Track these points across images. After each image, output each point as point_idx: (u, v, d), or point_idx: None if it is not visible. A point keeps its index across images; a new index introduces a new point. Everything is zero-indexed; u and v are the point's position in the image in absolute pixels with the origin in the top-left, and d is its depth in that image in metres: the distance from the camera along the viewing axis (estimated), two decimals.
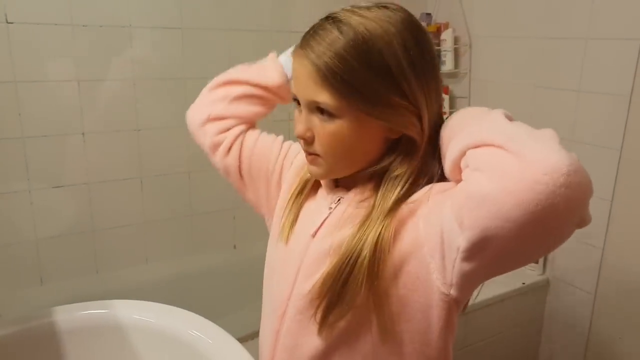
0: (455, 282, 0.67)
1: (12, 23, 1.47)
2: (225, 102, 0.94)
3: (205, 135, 0.94)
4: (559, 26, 1.78)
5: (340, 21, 0.69)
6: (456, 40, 2.14)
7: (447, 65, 2.13)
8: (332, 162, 0.75)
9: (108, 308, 0.94)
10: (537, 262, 1.91)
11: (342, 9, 0.71)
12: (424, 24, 2.16)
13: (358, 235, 0.71)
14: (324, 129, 0.72)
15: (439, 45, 2.15)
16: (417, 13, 2.14)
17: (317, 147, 0.74)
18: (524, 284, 1.86)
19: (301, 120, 0.74)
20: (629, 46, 1.59)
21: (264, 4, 1.86)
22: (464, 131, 0.67)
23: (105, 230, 1.74)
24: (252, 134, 0.94)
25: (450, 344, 0.76)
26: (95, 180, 1.69)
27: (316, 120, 0.73)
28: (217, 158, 0.94)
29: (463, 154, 0.65)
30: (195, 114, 0.97)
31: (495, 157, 0.59)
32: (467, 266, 0.64)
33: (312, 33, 0.71)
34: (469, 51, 2.12)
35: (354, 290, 0.70)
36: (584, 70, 1.71)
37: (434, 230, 0.67)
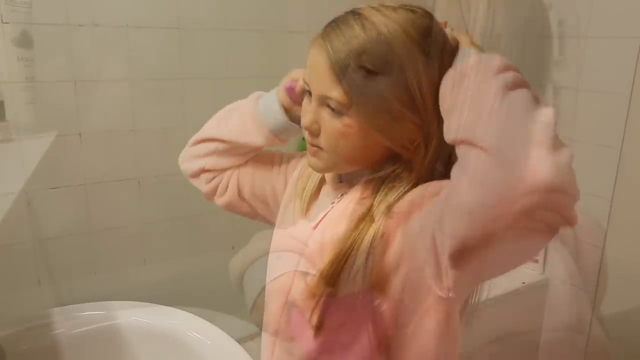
0: (452, 286, 0.65)
1: (7, 23, 1.46)
2: (214, 156, 0.93)
3: (201, 184, 0.96)
4: (557, 24, 1.77)
5: (364, 18, 0.67)
6: None
7: None
8: (334, 158, 0.74)
9: (106, 309, 0.94)
10: (537, 262, 1.90)
11: (368, 6, 0.69)
12: None
13: (352, 236, 0.70)
14: (332, 124, 0.71)
15: None
16: None
17: (322, 140, 0.73)
18: (523, 283, 1.86)
19: (310, 111, 0.73)
20: (628, 44, 1.58)
21: (262, 4, 1.85)
22: (462, 111, 0.62)
23: (103, 232, 1.73)
24: (246, 167, 0.94)
25: (452, 354, 0.75)
26: (92, 181, 1.68)
27: (325, 113, 0.71)
28: (217, 200, 0.96)
29: (455, 141, 0.62)
30: (188, 165, 0.98)
31: (479, 164, 0.55)
32: (456, 272, 0.62)
33: (334, 25, 0.69)
34: None
35: (349, 289, 0.69)
36: (583, 68, 1.71)
37: (428, 234, 0.64)
